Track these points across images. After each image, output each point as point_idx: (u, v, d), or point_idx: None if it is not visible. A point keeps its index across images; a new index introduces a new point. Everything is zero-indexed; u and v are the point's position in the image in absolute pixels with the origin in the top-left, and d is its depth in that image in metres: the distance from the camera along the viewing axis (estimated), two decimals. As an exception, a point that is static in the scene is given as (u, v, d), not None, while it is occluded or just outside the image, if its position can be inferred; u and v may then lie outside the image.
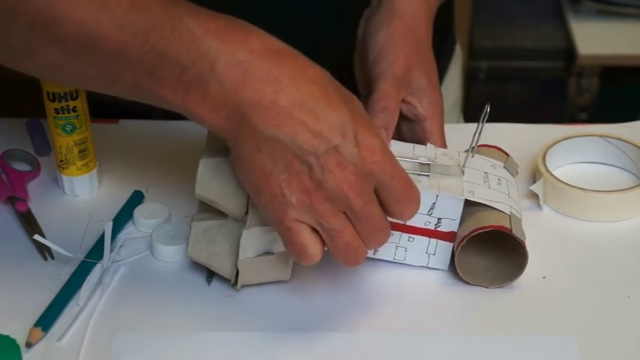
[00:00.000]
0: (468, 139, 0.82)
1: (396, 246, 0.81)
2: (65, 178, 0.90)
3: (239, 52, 0.68)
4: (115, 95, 0.73)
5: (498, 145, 0.87)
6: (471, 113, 1.17)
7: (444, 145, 0.86)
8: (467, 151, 0.82)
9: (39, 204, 0.90)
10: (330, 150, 0.68)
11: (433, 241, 0.81)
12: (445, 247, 0.81)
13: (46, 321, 0.76)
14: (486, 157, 0.85)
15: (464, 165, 0.81)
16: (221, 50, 0.68)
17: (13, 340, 0.73)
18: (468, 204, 0.79)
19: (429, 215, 0.79)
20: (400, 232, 0.80)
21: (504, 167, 0.85)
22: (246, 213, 0.76)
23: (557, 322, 0.78)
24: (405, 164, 0.80)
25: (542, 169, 0.90)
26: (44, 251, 0.84)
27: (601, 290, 0.81)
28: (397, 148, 0.82)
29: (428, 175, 0.80)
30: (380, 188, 0.71)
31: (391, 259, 0.82)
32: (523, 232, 0.80)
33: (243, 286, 0.79)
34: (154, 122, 0.99)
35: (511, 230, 0.78)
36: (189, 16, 0.69)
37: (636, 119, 1.01)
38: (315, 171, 0.69)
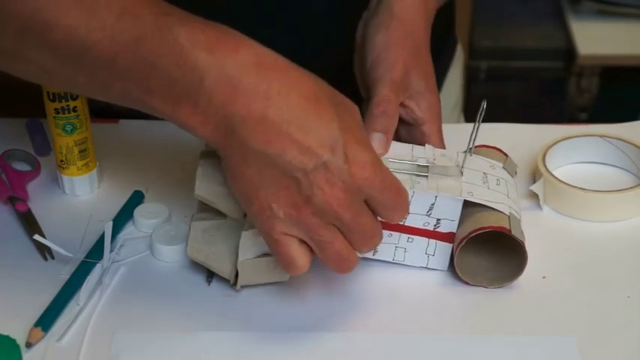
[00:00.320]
0: (468, 138, 0.82)
1: (396, 247, 0.81)
2: (65, 178, 0.90)
3: (229, 66, 0.68)
4: (109, 102, 0.73)
5: (498, 146, 0.87)
6: (470, 113, 1.17)
7: (442, 148, 0.86)
8: (465, 151, 0.82)
9: (39, 204, 0.90)
10: (319, 166, 0.68)
11: (432, 241, 0.81)
12: (444, 248, 0.81)
13: (46, 321, 0.76)
14: (485, 158, 0.85)
15: (462, 166, 0.81)
16: (210, 64, 0.67)
17: (13, 340, 0.74)
18: (467, 205, 0.79)
19: (428, 216, 0.79)
20: (399, 233, 0.80)
21: (503, 168, 0.85)
22: (246, 214, 0.76)
23: (557, 322, 0.78)
24: (403, 166, 0.80)
25: (542, 169, 0.90)
26: (44, 251, 0.84)
27: (601, 290, 0.81)
28: (396, 149, 0.82)
29: (427, 176, 0.80)
30: (370, 200, 0.71)
31: (391, 260, 0.82)
32: (522, 232, 0.80)
33: (242, 287, 0.79)
34: (154, 122, 0.99)
35: (510, 231, 0.78)
36: (181, 25, 0.68)
37: (636, 119, 1.01)
38: (304, 187, 0.69)
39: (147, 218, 0.87)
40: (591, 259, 0.84)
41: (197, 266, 0.81)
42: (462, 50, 1.19)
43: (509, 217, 0.79)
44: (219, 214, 0.78)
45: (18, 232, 0.87)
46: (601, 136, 0.94)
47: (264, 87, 0.68)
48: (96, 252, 0.83)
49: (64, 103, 0.86)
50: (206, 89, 0.68)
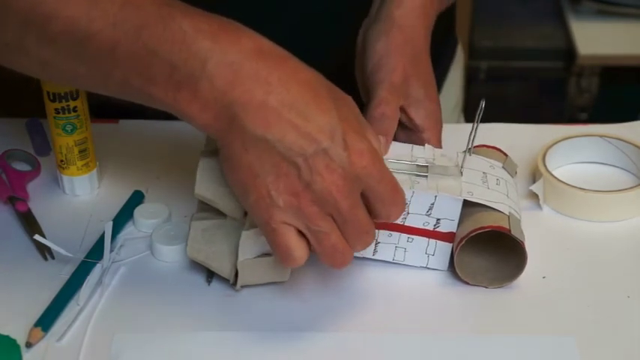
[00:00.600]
0: (468, 138, 0.82)
1: (396, 246, 0.81)
2: (65, 178, 0.90)
3: (231, 53, 0.68)
4: (107, 94, 0.73)
5: (498, 146, 0.87)
6: (470, 113, 1.17)
7: None
8: (465, 151, 0.82)
9: (39, 204, 0.90)
10: (319, 152, 0.69)
11: (432, 241, 0.81)
12: (444, 248, 0.81)
13: (46, 321, 0.76)
14: (485, 158, 0.85)
15: (462, 165, 0.81)
16: (213, 50, 0.68)
17: (13, 340, 0.74)
18: (467, 204, 0.80)
19: (428, 216, 0.79)
20: (399, 233, 0.80)
21: (503, 167, 0.85)
22: (246, 214, 0.76)
23: (557, 322, 0.78)
24: (402, 166, 0.80)
25: (542, 169, 0.90)
26: (44, 251, 0.84)
27: (601, 290, 0.81)
28: (395, 149, 0.82)
29: (426, 176, 0.80)
30: (367, 191, 0.71)
31: (391, 260, 0.82)
32: (522, 232, 0.80)
33: (242, 287, 0.79)
34: (154, 122, 0.99)
35: (510, 230, 0.78)
36: (183, 15, 0.69)
37: (636, 119, 1.01)
38: (304, 172, 0.69)
39: (147, 218, 0.87)
40: (591, 259, 0.84)
41: (197, 266, 0.81)
42: (462, 50, 1.19)
43: (508, 216, 0.79)
44: (219, 213, 0.78)
45: (18, 232, 0.87)
46: (601, 136, 0.94)
47: (264, 73, 0.68)
48: (96, 252, 0.83)
49: (64, 103, 0.86)
50: (207, 74, 0.68)
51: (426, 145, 0.83)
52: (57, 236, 0.84)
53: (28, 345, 0.75)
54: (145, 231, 0.86)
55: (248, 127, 0.68)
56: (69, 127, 0.88)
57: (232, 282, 0.79)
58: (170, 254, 0.83)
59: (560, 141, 0.93)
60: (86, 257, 0.82)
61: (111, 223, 0.84)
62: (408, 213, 0.79)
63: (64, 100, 0.86)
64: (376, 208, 0.72)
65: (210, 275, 0.81)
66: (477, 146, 0.85)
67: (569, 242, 0.86)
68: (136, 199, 0.89)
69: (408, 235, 0.81)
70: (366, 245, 0.73)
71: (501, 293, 0.80)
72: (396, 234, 0.80)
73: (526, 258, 0.79)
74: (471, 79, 2.09)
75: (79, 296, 0.79)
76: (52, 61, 0.71)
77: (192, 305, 0.79)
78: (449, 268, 0.82)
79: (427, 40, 0.87)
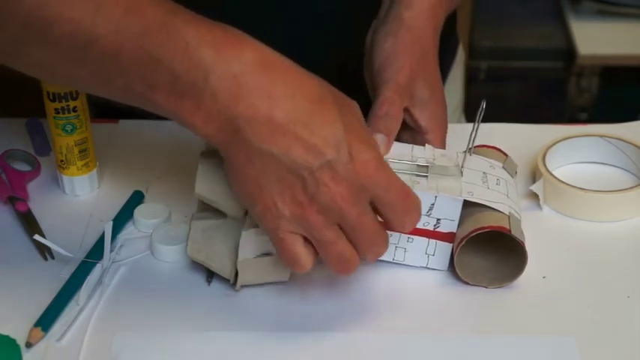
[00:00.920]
0: (468, 138, 0.82)
1: (396, 247, 0.81)
2: (65, 178, 0.90)
3: (233, 64, 0.68)
4: (109, 98, 0.73)
5: (498, 146, 0.87)
6: (470, 113, 1.17)
7: None
8: (465, 151, 0.82)
9: (39, 204, 0.90)
10: (324, 165, 0.69)
11: (432, 241, 0.81)
12: (444, 248, 0.81)
13: (46, 321, 0.76)
14: (485, 158, 0.85)
15: (462, 166, 0.81)
16: (215, 61, 0.68)
17: (13, 340, 0.74)
18: (467, 204, 0.79)
19: (428, 216, 0.79)
20: (399, 233, 0.80)
21: (503, 168, 0.85)
22: (246, 213, 0.76)
23: (557, 322, 0.78)
24: (403, 166, 0.80)
25: (542, 169, 0.90)
26: (44, 251, 0.84)
27: (601, 290, 0.81)
28: (396, 149, 0.82)
29: (426, 176, 0.80)
30: (375, 200, 0.71)
31: (391, 260, 0.82)
32: (522, 232, 0.80)
33: (242, 287, 0.79)
34: (154, 122, 0.99)
35: (510, 230, 0.78)
36: (186, 24, 0.68)
37: (636, 119, 1.01)
38: (309, 184, 0.69)
39: (147, 218, 0.87)
40: (591, 259, 0.84)
41: (197, 266, 0.81)
42: (462, 50, 1.19)
43: (509, 216, 0.79)
44: (220, 213, 0.78)
45: (18, 232, 0.87)
46: (601, 136, 0.94)
47: (268, 87, 0.68)
48: (96, 252, 0.83)
49: (64, 103, 0.86)
50: (210, 87, 0.68)
51: (427, 145, 0.83)
52: (57, 236, 0.84)
53: (28, 345, 0.75)
54: (144, 231, 0.86)
55: (253, 140, 0.68)
56: (69, 127, 0.88)
57: (232, 282, 0.79)
58: (170, 254, 0.83)
59: (560, 141, 0.93)
60: (86, 257, 0.82)
61: (111, 223, 0.84)
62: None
63: (63, 100, 0.86)
64: (388, 217, 0.72)
65: (210, 275, 0.81)
66: (477, 146, 0.85)
67: (569, 242, 0.86)
68: (136, 199, 0.89)
69: (408, 236, 0.81)
70: (379, 255, 0.73)
71: (501, 293, 0.80)
72: (396, 234, 0.80)
73: (526, 258, 0.79)
74: (471, 79, 2.09)
75: (79, 296, 0.79)
76: (52, 64, 0.71)
77: (192, 305, 0.79)
78: (449, 268, 0.82)
79: (435, 42, 0.87)
